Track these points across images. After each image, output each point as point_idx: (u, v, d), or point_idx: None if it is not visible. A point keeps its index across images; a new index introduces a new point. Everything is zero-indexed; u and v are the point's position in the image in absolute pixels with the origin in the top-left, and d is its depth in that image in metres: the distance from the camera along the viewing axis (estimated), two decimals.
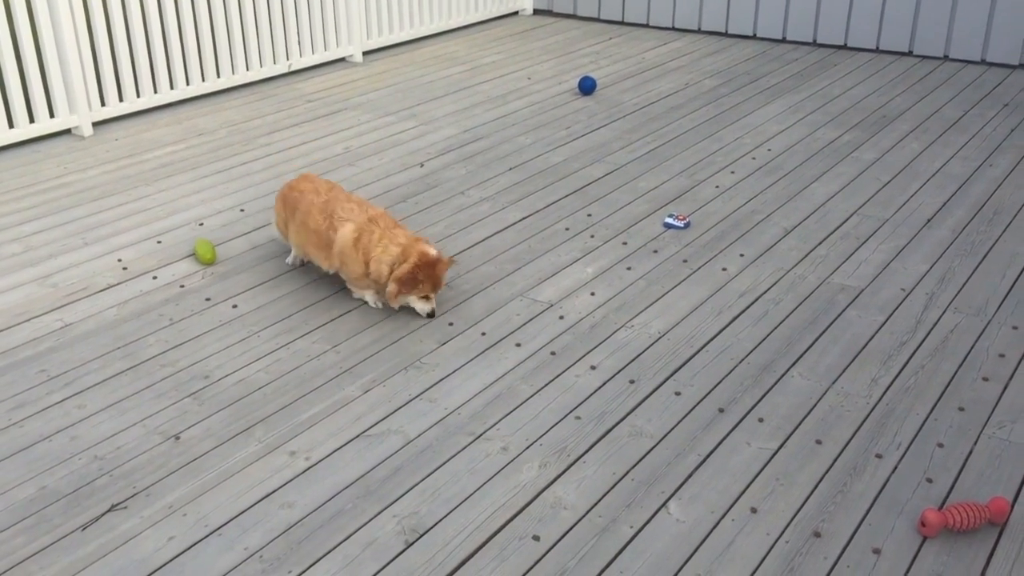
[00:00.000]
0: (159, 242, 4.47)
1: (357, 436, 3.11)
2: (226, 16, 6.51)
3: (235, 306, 3.92)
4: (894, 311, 3.82)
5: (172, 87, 6.37)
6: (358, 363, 3.52)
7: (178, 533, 2.70)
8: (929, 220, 4.63)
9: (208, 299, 3.98)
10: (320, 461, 2.99)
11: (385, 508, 2.79)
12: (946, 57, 7.38)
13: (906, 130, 5.87)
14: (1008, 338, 3.61)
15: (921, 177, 5.15)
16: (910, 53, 7.50)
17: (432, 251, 3.65)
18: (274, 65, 6.95)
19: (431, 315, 3.76)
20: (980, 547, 2.62)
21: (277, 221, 4.21)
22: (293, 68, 7.11)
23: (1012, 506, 2.75)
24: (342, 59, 7.53)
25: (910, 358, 3.50)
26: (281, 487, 2.88)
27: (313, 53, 7.23)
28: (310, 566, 2.58)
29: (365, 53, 7.64)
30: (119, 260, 4.30)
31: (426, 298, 3.72)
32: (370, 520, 2.74)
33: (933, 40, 7.36)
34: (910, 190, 4.98)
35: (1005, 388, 3.31)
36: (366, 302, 3.91)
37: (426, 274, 3.63)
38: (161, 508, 2.79)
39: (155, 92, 6.27)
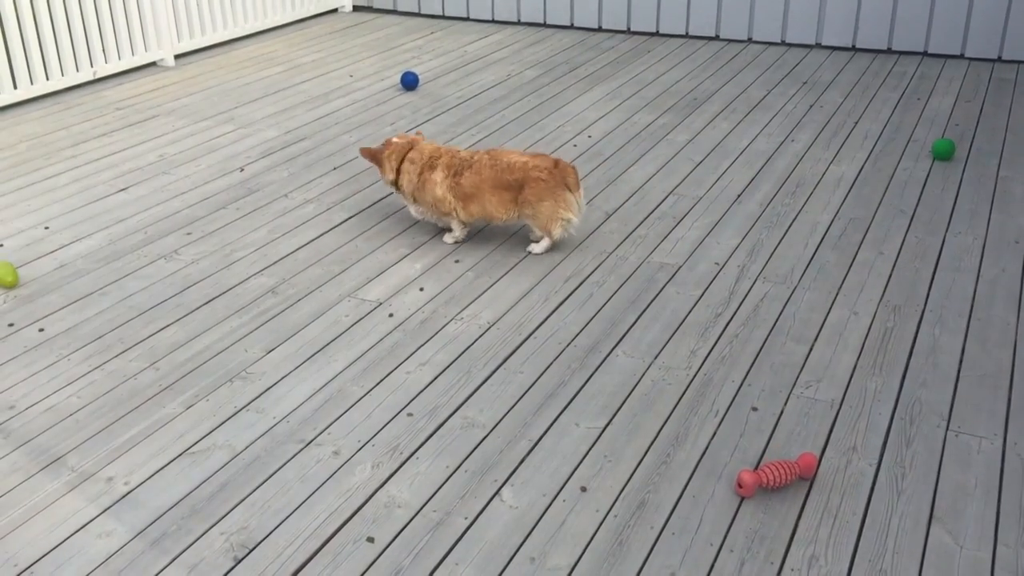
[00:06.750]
0: None
1: (180, 455, 2.99)
2: (19, 22, 6.11)
3: (41, 330, 3.70)
4: (709, 285, 3.99)
5: None
6: (179, 379, 3.38)
7: None
8: (739, 196, 4.86)
9: (11, 324, 3.73)
10: (140, 484, 2.86)
11: (212, 526, 2.70)
12: (750, 40, 7.76)
13: (715, 111, 6.14)
14: (811, 302, 3.84)
15: (730, 155, 5.40)
16: (717, 37, 7.85)
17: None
18: (77, 73, 6.59)
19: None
20: (793, 502, 2.78)
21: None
22: (99, 75, 6.75)
23: (819, 461, 2.93)
24: (152, 63, 7.21)
25: (725, 328, 3.67)
26: (98, 516, 2.74)
27: (120, 59, 6.89)
28: None
29: (177, 56, 7.34)
30: None
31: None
32: (196, 540, 2.64)
33: (737, 24, 7.73)
34: (720, 168, 5.21)
35: (810, 350, 3.52)
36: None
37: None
38: None
39: None
